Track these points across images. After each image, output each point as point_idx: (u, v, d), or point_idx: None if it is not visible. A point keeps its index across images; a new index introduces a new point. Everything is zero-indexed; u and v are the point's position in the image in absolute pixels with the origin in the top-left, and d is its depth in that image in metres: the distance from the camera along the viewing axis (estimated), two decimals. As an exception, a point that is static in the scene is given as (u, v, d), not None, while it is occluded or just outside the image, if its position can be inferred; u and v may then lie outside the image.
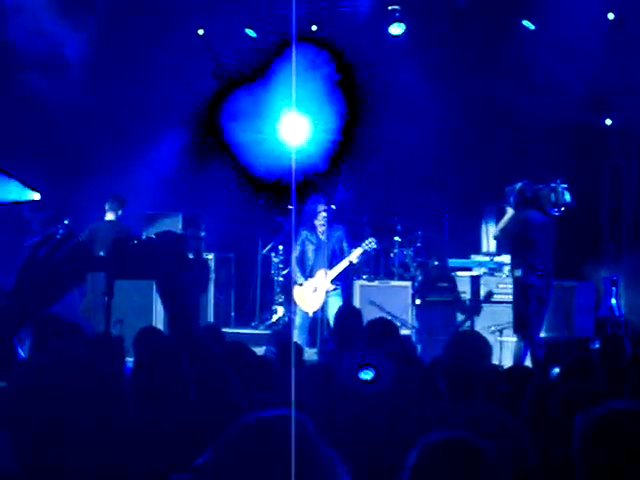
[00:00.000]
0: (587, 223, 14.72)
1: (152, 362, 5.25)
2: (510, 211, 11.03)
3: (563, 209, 11.04)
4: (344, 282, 12.31)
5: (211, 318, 13.69)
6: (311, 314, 11.90)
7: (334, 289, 11.94)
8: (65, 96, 13.91)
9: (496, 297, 12.95)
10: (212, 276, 13.94)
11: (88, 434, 2.41)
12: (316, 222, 11.96)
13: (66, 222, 12.62)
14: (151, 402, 4.02)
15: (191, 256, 12.62)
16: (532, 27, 14.35)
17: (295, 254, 12.14)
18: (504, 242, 11.51)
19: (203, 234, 14.14)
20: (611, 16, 13.79)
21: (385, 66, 14.94)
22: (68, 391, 2.45)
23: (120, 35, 14.48)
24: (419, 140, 14.80)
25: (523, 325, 10.74)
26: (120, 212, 12.83)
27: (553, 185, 11.08)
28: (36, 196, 12.63)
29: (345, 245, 11.95)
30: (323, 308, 11.86)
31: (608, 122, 14.44)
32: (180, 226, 13.86)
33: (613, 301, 13.80)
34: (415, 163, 15.06)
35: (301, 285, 12.05)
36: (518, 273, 10.90)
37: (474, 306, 12.94)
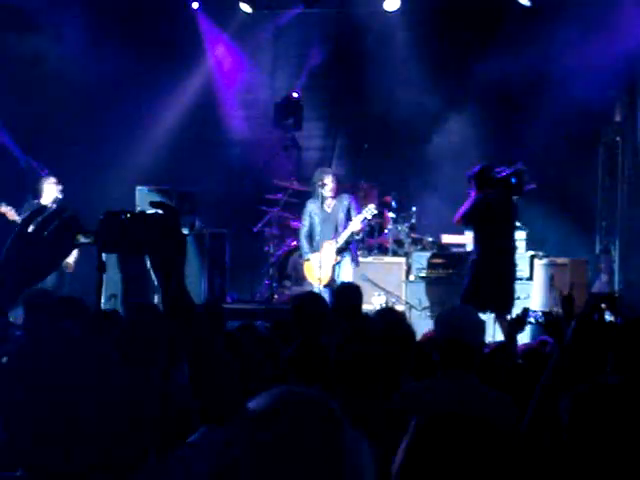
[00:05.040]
0: (581, 201, 14.74)
1: (143, 337, 5.25)
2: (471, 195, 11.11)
3: (525, 190, 11.15)
4: (355, 250, 12.19)
5: (205, 293, 13.67)
6: (321, 287, 11.77)
7: (340, 259, 11.84)
8: (59, 69, 13.89)
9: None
10: (206, 251, 13.90)
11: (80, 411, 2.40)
12: (324, 193, 11.83)
13: (60, 196, 12.63)
14: (137, 379, 4.02)
15: (186, 231, 12.61)
16: (528, 4, 14.31)
17: (304, 229, 12.06)
18: (468, 225, 11.49)
19: (197, 210, 14.10)
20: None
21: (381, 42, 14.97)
22: (61, 370, 2.43)
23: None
24: (415, 115, 14.79)
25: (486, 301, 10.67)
26: None
27: (515, 168, 11.14)
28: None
29: (353, 213, 11.82)
30: (334, 280, 11.75)
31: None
32: (174, 202, 13.82)
33: (604, 277, 13.86)
34: (410, 141, 15.04)
35: (308, 260, 12.01)
36: (475, 256, 10.96)
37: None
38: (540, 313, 10.05)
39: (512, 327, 6.38)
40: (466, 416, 2.64)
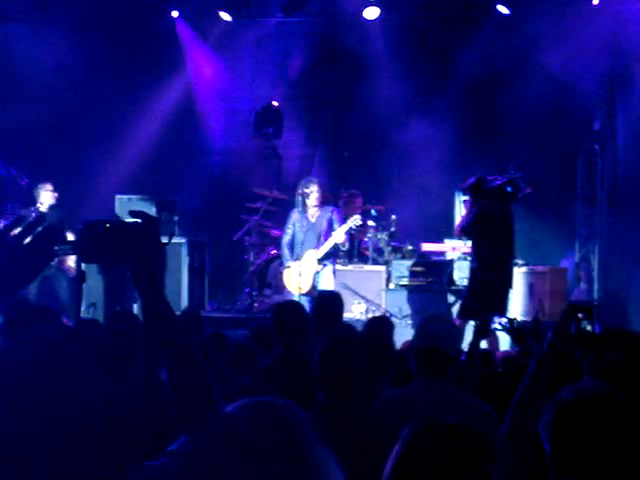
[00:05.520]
0: (561, 209, 14.78)
1: (122, 345, 5.25)
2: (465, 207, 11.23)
3: (520, 196, 11.23)
4: (334, 260, 12.19)
5: (185, 302, 13.65)
6: (296, 296, 11.72)
7: (322, 268, 11.82)
8: (42, 80, 13.84)
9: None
10: (186, 260, 13.88)
11: (61, 418, 2.38)
12: (308, 202, 11.81)
13: (40, 204, 12.59)
14: (115, 388, 4.02)
15: (165, 240, 12.55)
16: (507, 12, 14.37)
17: (286, 237, 12.03)
18: (468, 237, 11.57)
19: (177, 218, 14.09)
20: (596, 1, 13.81)
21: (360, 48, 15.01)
22: (38, 378, 2.41)
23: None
24: (395, 125, 14.83)
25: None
26: None
27: (509, 176, 11.22)
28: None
29: (336, 225, 11.80)
30: (315, 288, 11.74)
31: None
32: (154, 210, 13.81)
33: (584, 286, 13.93)
34: (390, 148, 15.04)
35: (289, 268, 11.97)
36: (475, 265, 11.04)
37: (448, 290, 12.97)
38: (505, 320, 10.14)
39: (476, 334, 6.40)
40: (457, 425, 2.65)
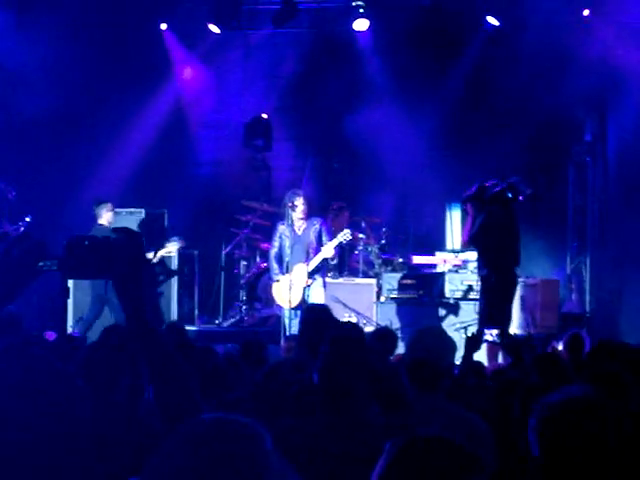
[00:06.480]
0: (552, 220, 14.78)
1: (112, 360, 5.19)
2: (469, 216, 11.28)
3: (522, 199, 11.29)
4: (324, 274, 12.14)
5: (175, 315, 13.61)
6: (288, 309, 11.66)
7: (312, 282, 11.76)
8: (31, 96, 13.77)
9: (461, 294, 12.95)
10: (175, 273, 13.84)
11: (45, 433, 2.35)
12: (294, 215, 11.76)
13: (28, 219, 12.49)
14: (101, 401, 3.98)
15: (150, 255, 12.51)
16: (497, 23, 14.38)
17: (273, 250, 11.96)
18: (475, 247, 11.57)
19: (166, 231, 14.05)
20: (586, 12, 13.84)
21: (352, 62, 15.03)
22: (27, 390, 2.39)
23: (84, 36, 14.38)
24: (385, 138, 14.82)
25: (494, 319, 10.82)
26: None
27: (508, 182, 11.24)
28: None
29: (325, 238, 11.76)
30: (305, 302, 11.65)
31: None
32: (143, 222, 13.77)
33: (575, 297, 13.93)
34: (380, 160, 15.02)
35: (278, 281, 11.90)
36: (485, 272, 11.04)
37: (439, 303, 12.93)
38: (495, 332, 10.16)
39: (468, 346, 6.39)
40: (441, 437, 2.60)
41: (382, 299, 13.22)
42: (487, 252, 11.11)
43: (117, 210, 13.25)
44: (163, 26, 15.39)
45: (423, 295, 13.10)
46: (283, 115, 15.78)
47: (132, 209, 13.92)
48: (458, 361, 6.53)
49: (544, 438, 3.07)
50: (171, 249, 13.05)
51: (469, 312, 12.49)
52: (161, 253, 12.84)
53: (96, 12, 14.32)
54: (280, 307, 12.03)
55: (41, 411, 2.36)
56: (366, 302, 13.07)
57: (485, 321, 10.83)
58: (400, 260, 13.89)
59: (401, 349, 8.60)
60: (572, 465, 3.01)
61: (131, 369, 4.73)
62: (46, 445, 2.33)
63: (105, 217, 12.49)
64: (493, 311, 10.85)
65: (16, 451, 2.31)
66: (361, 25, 14.88)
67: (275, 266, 11.94)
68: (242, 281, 14.24)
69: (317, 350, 4.87)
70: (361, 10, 14.63)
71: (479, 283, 11.47)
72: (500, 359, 10.58)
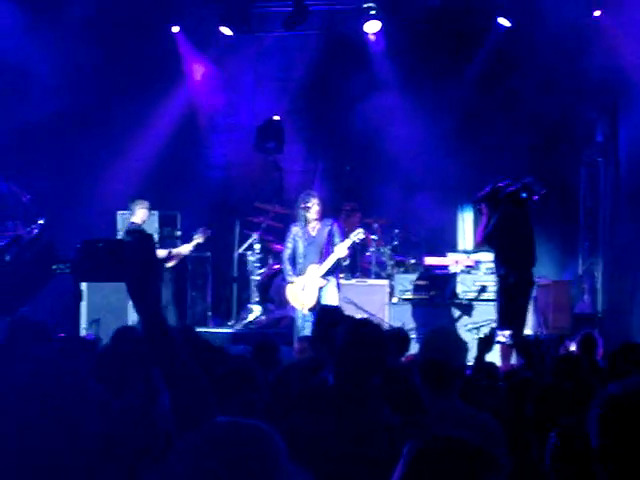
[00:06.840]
0: (564, 221, 14.75)
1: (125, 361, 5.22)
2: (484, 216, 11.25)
3: (537, 198, 11.25)
4: (338, 275, 12.13)
5: (188, 317, 13.63)
6: (305, 311, 11.68)
7: (326, 283, 11.75)
8: (44, 99, 13.80)
9: (473, 295, 12.94)
10: (188, 275, 13.86)
11: (51, 435, 2.36)
12: (309, 216, 11.74)
13: (41, 222, 12.49)
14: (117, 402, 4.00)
15: (164, 254, 12.55)
16: (508, 24, 14.36)
17: (287, 251, 11.95)
18: (490, 246, 11.54)
19: (179, 233, 14.07)
20: (597, 13, 13.82)
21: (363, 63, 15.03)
22: (34, 393, 2.40)
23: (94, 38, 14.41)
24: (396, 139, 14.81)
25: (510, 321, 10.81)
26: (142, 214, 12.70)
27: (522, 182, 11.21)
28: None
29: (338, 239, 11.75)
30: (319, 303, 11.63)
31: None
32: (157, 225, 13.79)
33: (587, 299, 13.90)
34: (392, 162, 15.03)
35: (292, 283, 11.90)
36: (502, 271, 11.01)
37: (451, 304, 12.92)
38: (507, 333, 10.15)
39: (480, 346, 6.38)
40: (461, 439, 2.63)
41: (394, 300, 13.22)
42: (503, 251, 11.07)
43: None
44: (175, 29, 15.41)
45: (435, 296, 13.09)
46: (294, 117, 15.79)
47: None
48: (471, 362, 6.54)
49: (608, 428, 3.02)
50: (199, 240, 13.15)
51: (481, 313, 12.48)
52: (192, 244, 13.01)
53: (109, 15, 14.33)
54: (293, 308, 12.03)
55: (48, 414, 2.37)
56: (378, 303, 13.05)
57: (503, 321, 10.80)
58: (412, 261, 13.89)
59: (414, 350, 8.63)
60: (633, 454, 2.96)
61: (144, 372, 4.76)
62: (51, 445, 2.34)
63: (139, 215, 12.56)
64: (509, 311, 10.83)
65: (22, 452, 2.32)
66: (372, 27, 14.88)
67: (289, 267, 11.94)
68: (255, 283, 14.23)
69: (331, 351, 4.89)
70: (372, 12, 14.63)
71: (496, 283, 11.44)
72: (513, 360, 10.60)
